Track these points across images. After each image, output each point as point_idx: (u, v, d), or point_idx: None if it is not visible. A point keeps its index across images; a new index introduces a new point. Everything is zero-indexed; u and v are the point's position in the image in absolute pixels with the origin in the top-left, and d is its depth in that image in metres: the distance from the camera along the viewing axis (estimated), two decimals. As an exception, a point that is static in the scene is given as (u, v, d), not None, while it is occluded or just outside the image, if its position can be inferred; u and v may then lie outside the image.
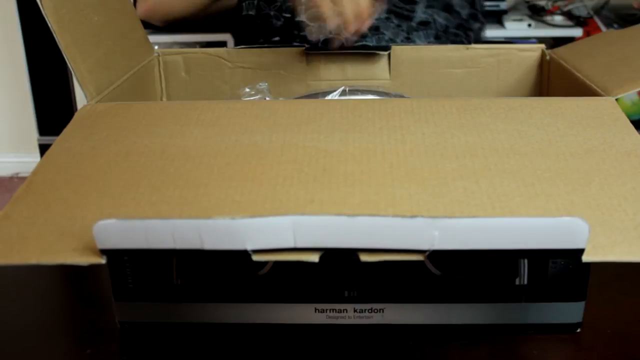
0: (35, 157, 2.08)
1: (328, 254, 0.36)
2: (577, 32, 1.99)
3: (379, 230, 0.36)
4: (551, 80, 0.73)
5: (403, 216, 0.36)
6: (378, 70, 0.75)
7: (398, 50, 0.75)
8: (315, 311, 0.49)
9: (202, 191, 0.43)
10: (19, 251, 0.37)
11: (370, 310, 0.49)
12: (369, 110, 0.54)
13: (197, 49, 0.77)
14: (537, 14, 2.10)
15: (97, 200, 0.42)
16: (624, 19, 1.97)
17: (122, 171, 0.45)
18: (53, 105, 1.98)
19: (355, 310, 0.49)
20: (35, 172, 0.46)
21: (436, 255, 0.36)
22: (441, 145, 0.48)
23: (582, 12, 2.06)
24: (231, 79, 0.77)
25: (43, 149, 2.02)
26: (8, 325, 0.53)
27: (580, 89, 0.61)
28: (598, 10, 2.06)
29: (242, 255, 0.36)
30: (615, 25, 1.93)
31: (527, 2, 2.17)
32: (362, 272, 0.48)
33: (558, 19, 2.06)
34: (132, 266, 0.49)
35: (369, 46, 0.78)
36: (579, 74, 0.63)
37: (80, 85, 0.56)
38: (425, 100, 0.55)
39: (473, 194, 0.42)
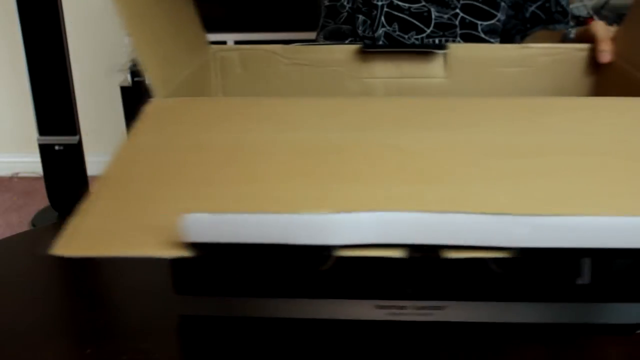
0: (35, 157, 2.08)
1: (413, 250, 0.36)
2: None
3: (467, 227, 0.36)
4: (608, 79, 0.73)
5: (491, 213, 0.36)
6: (434, 69, 0.75)
7: (454, 48, 0.74)
8: (376, 307, 0.49)
9: (279, 187, 0.43)
10: (102, 244, 0.38)
11: (431, 308, 0.49)
12: (440, 108, 0.54)
13: (254, 45, 0.76)
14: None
15: (174, 195, 0.43)
16: (624, 18, 1.96)
17: (197, 166, 0.46)
18: (53, 105, 1.97)
19: (415, 307, 0.49)
20: (110, 166, 0.46)
21: (522, 253, 0.36)
22: (513, 144, 0.48)
23: (582, 12, 2.06)
24: (287, 76, 0.76)
25: (43, 149, 2.02)
26: (8, 325, 0.53)
27: (637, 86, 0.60)
28: (598, 10, 2.06)
29: (309, 250, 0.36)
30: (615, 25, 1.93)
31: (527, 1, 2.17)
32: (424, 269, 0.48)
33: (558, 18, 2.05)
34: (195, 260, 0.49)
35: (426, 45, 0.78)
36: (634, 70, 0.62)
37: (149, 80, 0.55)
38: (495, 99, 0.55)
39: (552, 193, 0.41)
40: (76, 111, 2.01)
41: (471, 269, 0.48)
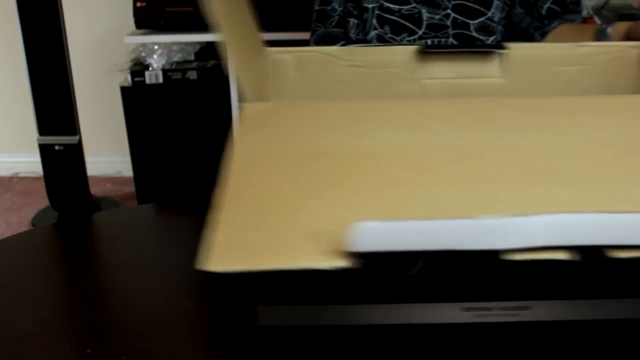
0: (35, 157, 2.08)
1: (580, 251, 0.36)
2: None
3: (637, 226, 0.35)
4: None
5: None
6: (491, 69, 0.74)
7: (512, 48, 0.74)
8: (463, 310, 0.48)
9: (418, 192, 0.42)
10: (260, 257, 0.37)
11: (517, 308, 0.48)
12: (544, 107, 0.53)
13: (310, 47, 0.75)
14: (537, 13, 2.10)
15: (315, 203, 0.42)
16: (623, 18, 1.96)
17: (325, 173, 0.45)
18: (53, 105, 1.97)
19: (502, 308, 0.48)
20: (231, 175, 0.45)
21: None
22: (632, 142, 0.47)
23: (582, 12, 2.06)
24: (343, 78, 0.75)
25: (43, 149, 2.02)
26: (8, 325, 0.53)
27: None
28: (598, 10, 2.06)
29: (479, 255, 0.35)
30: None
31: (527, 1, 2.17)
32: (511, 269, 0.47)
33: (558, 18, 2.05)
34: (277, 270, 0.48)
35: (486, 44, 0.78)
36: None
37: (239, 83, 0.54)
38: (601, 97, 0.55)
39: None
40: (76, 111, 2.02)
41: (558, 267, 0.47)
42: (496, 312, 0.49)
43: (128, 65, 2.00)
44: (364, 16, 0.95)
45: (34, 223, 2.15)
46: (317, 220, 0.39)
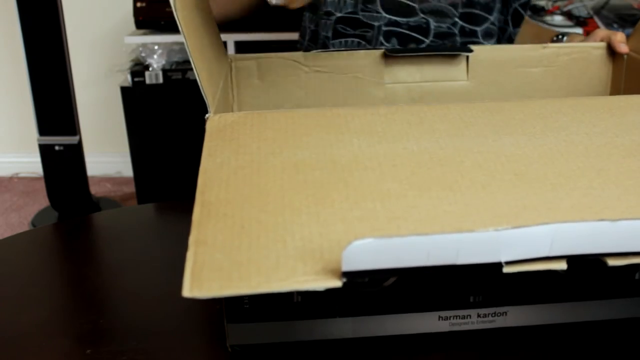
0: (35, 157, 2.08)
1: (578, 260, 0.36)
2: (577, 32, 1.99)
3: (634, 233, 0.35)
4: (628, 76, 0.74)
5: None
6: (456, 72, 0.74)
7: (477, 50, 0.74)
8: (439, 319, 0.48)
9: (404, 203, 0.40)
10: (242, 280, 0.34)
11: (493, 314, 0.48)
12: (518, 111, 0.53)
13: (273, 54, 0.73)
14: (537, 14, 2.10)
15: (296, 219, 0.39)
16: (623, 19, 1.96)
17: (302, 185, 0.43)
18: (53, 105, 1.97)
19: (478, 315, 0.48)
20: (202, 191, 0.42)
21: None
22: (611, 145, 0.47)
23: (582, 12, 2.06)
24: (307, 84, 0.73)
25: (43, 149, 2.02)
26: (8, 325, 0.53)
27: None
28: (598, 10, 2.06)
29: (478, 269, 0.35)
30: (615, 26, 1.93)
31: (527, 2, 2.17)
32: (488, 276, 0.47)
33: (558, 18, 2.05)
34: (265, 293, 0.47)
35: (450, 47, 0.77)
36: None
37: (204, 94, 0.52)
38: (573, 99, 0.55)
39: None
40: (76, 111, 2.02)
41: (535, 272, 0.46)
42: (473, 320, 0.48)
43: (128, 65, 2.00)
44: (368, 34, 0.94)
45: (34, 223, 2.15)
46: (300, 237, 0.37)
